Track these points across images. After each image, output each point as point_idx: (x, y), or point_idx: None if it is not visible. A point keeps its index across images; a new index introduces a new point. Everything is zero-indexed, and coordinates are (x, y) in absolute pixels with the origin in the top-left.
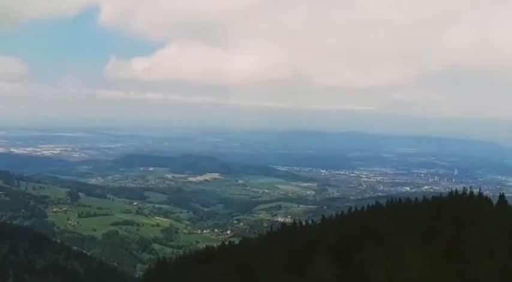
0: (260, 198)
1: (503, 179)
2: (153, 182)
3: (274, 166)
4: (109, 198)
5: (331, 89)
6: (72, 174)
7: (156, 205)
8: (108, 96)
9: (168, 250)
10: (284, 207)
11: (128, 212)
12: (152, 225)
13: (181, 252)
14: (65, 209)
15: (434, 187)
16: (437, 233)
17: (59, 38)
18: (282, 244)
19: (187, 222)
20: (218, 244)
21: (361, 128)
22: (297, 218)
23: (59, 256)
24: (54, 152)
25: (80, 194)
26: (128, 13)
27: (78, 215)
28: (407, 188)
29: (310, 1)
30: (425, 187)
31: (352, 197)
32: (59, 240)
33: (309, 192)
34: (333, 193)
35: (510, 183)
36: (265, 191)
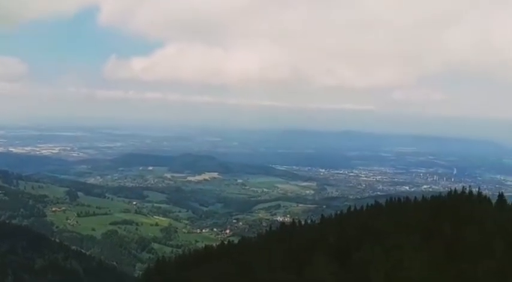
0: (259, 198)
1: (502, 178)
2: (152, 182)
3: (273, 165)
4: (108, 198)
5: (331, 89)
6: (71, 174)
7: (155, 204)
8: (107, 96)
9: (167, 249)
10: (283, 206)
11: (127, 211)
12: (151, 225)
13: (180, 251)
14: (64, 208)
15: (433, 186)
16: (436, 232)
17: (58, 38)
18: (281, 243)
19: (186, 222)
20: (217, 243)
21: (360, 127)
22: (296, 217)
23: (58, 255)
24: (53, 151)
25: (79, 193)
26: (128, 12)
27: (77, 214)
28: (407, 187)
29: (310, 1)
30: (425, 186)
31: (351, 196)
32: (57, 240)
33: (308, 192)
34: (332, 192)
35: (509, 183)
36: (264, 190)
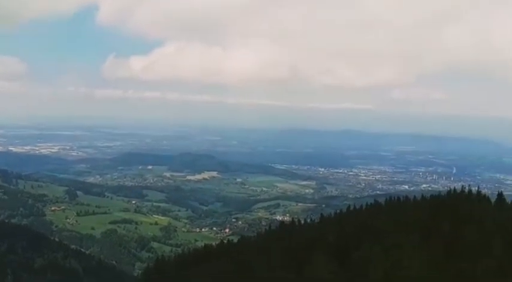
0: (258, 197)
1: (501, 177)
2: (151, 181)
3: (272, 164)
4: (107, 197)
5: (330, 88)
6: (70, 173)
7: (154, 203)
8: (106, 95)
9: (167, 248)
10: (282, 205)
11: (126, 210)
12: (151, 224)
13: (179, 250)
14: (63, 207)
15: (432, 185)
16: (435, 231)
17: (57, 37)
18: (281, 242)
19: (185, 221)
20: (217, 242)
21: (359, 126)
22: (296, 216)
23: (57, 255)
24: (52, 150)
25: (78, 192)
26: (127, 12)
27: (77, 213)
28: (406, 187)
29: (309, 0)
30: (424, 185)
31: (350, 195)
32: (57, 239)
33: (307, 191)
34: (331, 191)
35: (508, 182)
36: (264, 189)
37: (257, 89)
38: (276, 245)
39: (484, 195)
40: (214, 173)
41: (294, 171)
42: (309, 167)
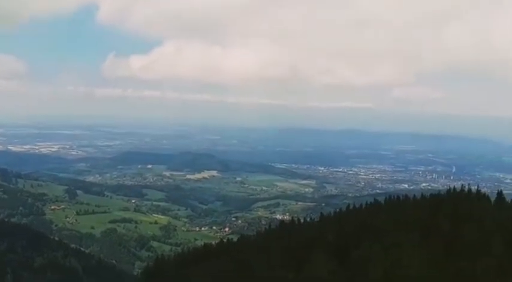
0: (258, 196)
1: (501, 176)
2: (151, 180)
3: (272, 163)
4: (107, 196)
5: (330, 87)
6: (70, 172)
7: (154, 203)
8: (105, 94)
9: (167, 248)
10: (282, 204)
11: (126, 209)
12: (150, 223)
13: (179, 249)
14: (63, 206)
15: (432, 184)
16: (435, 230)
17: (57, 37)
18: (280, 241)
19: (185, 220)
20: (216, 241)
21: (359, 125)
22: (295, 215)
23: (57, 254)
24: (52, 149)
25: (78, 191)
26: (126, 11)
27: (76, 212)
28: (406, 185)
29: (309, 0)
30: (423, 184)
31: (350, 194)
32: (57, 238)
33: (307, 190)
34: (331, 190)
35: (508, 180)
36: (264, 188)
37: (257, 88)
38: (275, 244)
39: (484, 194)
40: (214, 172)
41: (293, 170)
42: (308, 166)
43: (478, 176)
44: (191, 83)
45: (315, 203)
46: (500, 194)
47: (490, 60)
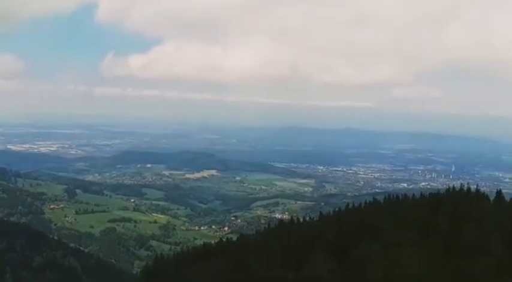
0: (257, 195)
1: (500, 175)
2: (150, 179)
3: (271, 163)
4: (106, 195)
5: (330, 86)
6: (69, 171)
7: (153, 202)
8: (105, 93)
9: (166, 247)
10: (281, 203)
11: (125, 208)
12: (149, 222)
13: (178, 248)
14: (62, 205)
15: (431, 183)
16: (434, 229)
17: (56, 36)
18: (280, 241)
19: (184, 219)
20: (215, 241)
21: (358, 124)
22: (295, 214)
23: (56, 253)
24: (51, 148)
25: (77, 190)
26: (125, 10)
27: (76, 211)
28: (405, 185)
29: None
30: (423, 183)
31: (349, 194)
32: (56, 237)
33: (306, 189)
34: (330, 190)
35: (507, 180)
36: (263, 187)
37: (257, 87)
38: (275, 243)
39: (483, 193)
40: (214, 171)
41: (293, 169)
42: (308, 165)
43: (477, 175)
44: (190, 82)
45: (314, 202)
46: (499, 193)
47: (490, 60)
